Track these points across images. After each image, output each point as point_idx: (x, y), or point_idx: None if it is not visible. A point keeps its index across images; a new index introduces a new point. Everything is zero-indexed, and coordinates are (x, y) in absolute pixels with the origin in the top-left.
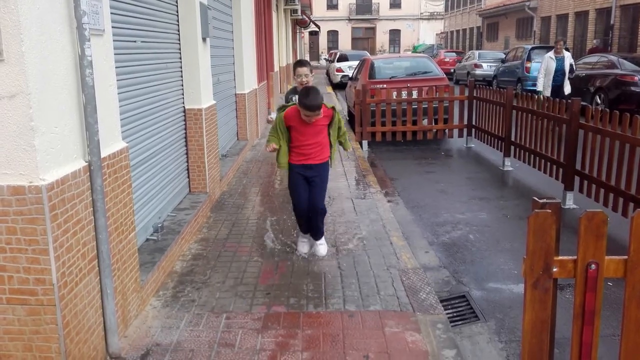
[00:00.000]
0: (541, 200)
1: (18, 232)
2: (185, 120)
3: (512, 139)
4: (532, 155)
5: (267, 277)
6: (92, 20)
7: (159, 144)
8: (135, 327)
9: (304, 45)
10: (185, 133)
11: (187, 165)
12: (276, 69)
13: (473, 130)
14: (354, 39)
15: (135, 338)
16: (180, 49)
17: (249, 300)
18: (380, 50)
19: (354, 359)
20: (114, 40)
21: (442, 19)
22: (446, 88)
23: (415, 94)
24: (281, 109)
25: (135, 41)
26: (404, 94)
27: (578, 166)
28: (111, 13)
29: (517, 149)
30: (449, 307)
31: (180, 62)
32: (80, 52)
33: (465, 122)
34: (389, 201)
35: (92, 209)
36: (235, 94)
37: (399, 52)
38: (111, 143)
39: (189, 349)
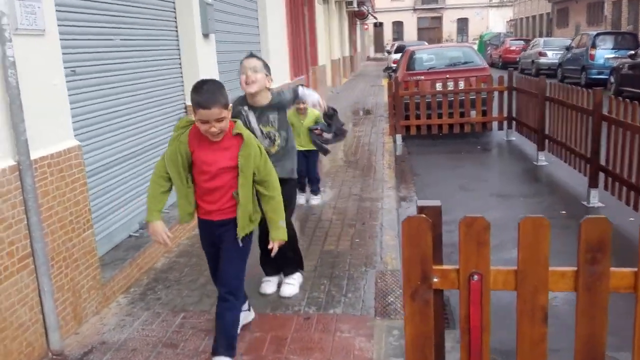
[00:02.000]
0: (420, 204)
1: None
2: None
3: (546, 131)
4: (563, 149)
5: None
6: (27, 21)
7: (149, 140)
8: (91, 324)
9: (368, 38)
10: None
11: None
12: (323, 62)
13: (513, 122)
14: (419, 29)
15: (86, 335)
16: (179, 46)
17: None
18: (447, 40)
19: None
20: (93, 39)
21: (511, 5)
22: (484, 78)
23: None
24: (183, 127)
25: (112, 39)
26: (439, 86)
27: (603, 161)
28: (90, 13)
29: (550, 143)
30: None
31: (180, 59)
32: (2, 53)
33: (505, 114)
34: (402, 198)
35: (23, 207)
36: None
37: (467, 41)
38: (56, 142)
39: (131, 348)
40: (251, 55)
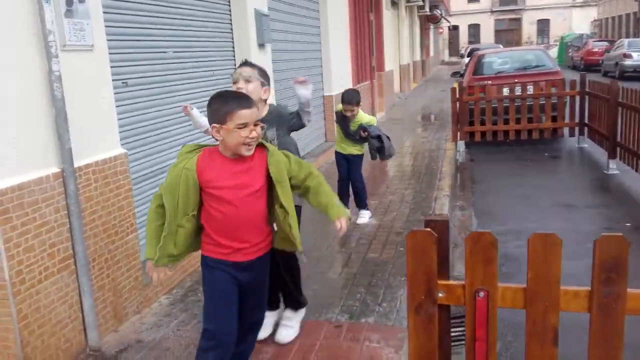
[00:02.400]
0: (427, 217)
1: None
2: None
3: (617, 139)
4: (635, 157)
5: None
6: (75, 37)
7: None
8: (131, 322)
9: (442, 41)
10: None
11: None
12: (390, 67)
13: (585, 129)
14: (497, 32)
15: (125, 333)
16: (234, 57)
17: None
18: (526, 42)
19: None
20: (145, 53)
21: (596, 5)
22: (555, 82)
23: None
24: (189, 152)
25: (165, 52)
26: (507, 91)
27: None
28: (142, 27)
29: (622, 150)
30: (461, 324)
31: (235, 69)
32: (48, 68)
33: (577, 120)
34: (460, 207)
35: (66, 212)
36: (323, 96)
37: (547, 43)
38: (102, 150)
39: (164, 348)
40: (245, 62)
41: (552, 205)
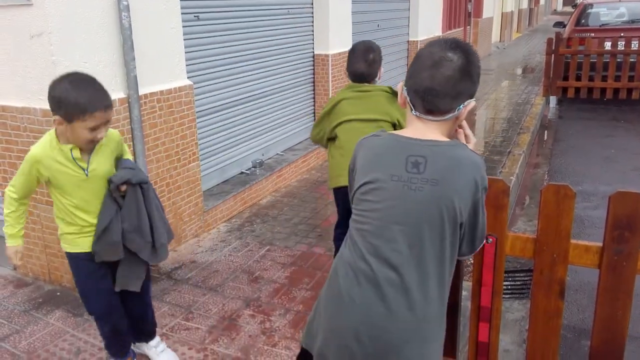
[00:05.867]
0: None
1: None
2: (313, 65)
3: None
4: None
5: (333, 220)
6: None
7: (272, 86)
8: (189, 244)
9: None
10: (313, 77)
11: (314, 109)
12: (489, 14)
13: None
14: None
15: (182, 254)
16: None
17: (299, 239)
18: None
19: None
20: None
21: None
22: None
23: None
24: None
25: None
26: (609, 45)
27: None
28: None
29: None
30: (509, 278)
31: (312, 7)
32: None
33: None
34: (535, 165)
35: (130, 135)
36: (408, 41)
37: None
38: (168, 80)
39: (214, 270)
40: None
41: (634, 169)
